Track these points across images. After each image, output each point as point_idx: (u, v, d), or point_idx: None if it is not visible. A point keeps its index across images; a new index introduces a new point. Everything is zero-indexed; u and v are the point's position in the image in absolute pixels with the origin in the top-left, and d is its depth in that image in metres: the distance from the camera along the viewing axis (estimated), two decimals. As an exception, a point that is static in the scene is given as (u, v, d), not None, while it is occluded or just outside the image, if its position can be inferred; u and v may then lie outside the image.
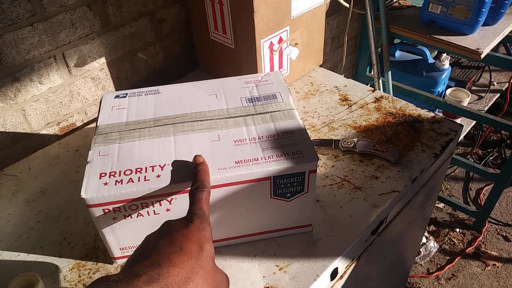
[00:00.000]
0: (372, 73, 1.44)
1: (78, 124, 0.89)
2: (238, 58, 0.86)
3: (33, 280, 0.56)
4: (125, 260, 0.59)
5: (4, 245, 0.64)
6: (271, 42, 0.82)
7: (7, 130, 0.79)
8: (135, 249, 0.41)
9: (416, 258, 1.68)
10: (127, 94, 0.66)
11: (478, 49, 1.24)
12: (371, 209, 0.65)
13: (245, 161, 0.53)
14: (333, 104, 0.87)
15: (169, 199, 0.52)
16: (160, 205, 0.52)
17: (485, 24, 1.32)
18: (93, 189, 0.50)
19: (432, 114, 0.83)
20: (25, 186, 0.74)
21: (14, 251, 0.63)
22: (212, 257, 0.40)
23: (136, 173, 0.52)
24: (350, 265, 0.65)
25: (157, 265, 0.36)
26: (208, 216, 0.45)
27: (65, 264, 0.61)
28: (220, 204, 0.54)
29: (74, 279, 0.59)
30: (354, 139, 0.75)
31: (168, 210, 0.53)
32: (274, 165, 0.53)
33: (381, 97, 0.88)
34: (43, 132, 0.84)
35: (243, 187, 0.53)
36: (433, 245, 1.72)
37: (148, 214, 0.53)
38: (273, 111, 0.61)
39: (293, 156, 0.54)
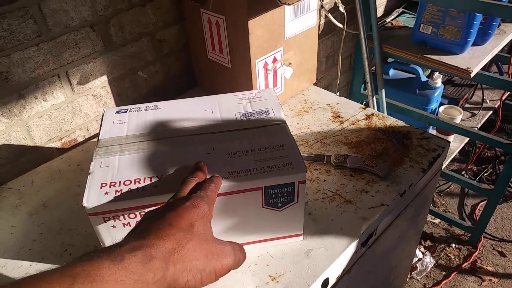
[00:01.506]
0: (366, 91, 1.48)
1: (80, 139, 0.92)
2: (234, 77, 0.90)
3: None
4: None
5: (7, 256, 0.66)
6: (265, 62, 0.86)
7: (11, 145, 0.81)
8: None
9: (413, 273, 1.69)
10: (127, 109, 0.69)
11: (468, 68, 1.28)
12: (361, 222, 0.68)
13: (238, 172, 0.56)
14: (325, 121, 0.90)
15: (165, 208, 0.55)
16: (157, 214, 0.55)
17: (475, 44, 1.36)
18: (94, 198, 0.52)
19: (420, 131, 0.86)
20: (27, 199, 0.77)
21: (17, 262, 0.65)
22: (206, 232, 0.41)
23: (135, 183, 0.55)
24: (341, 277, 0.67)
25: (142, 237, 0.37)
26: (212, 201, 0.47)
27: (65, 274, 0.63)
28: (213, 213, 0.57)
29: (74, 288, 0.61)
30: (345, 155, 0.78)
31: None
32: (265, 175, 0.55)
33: (372, 114, 0.91)
34: (46, 147, 0.87)
35: (236, 197, 0.56)
36: (429, 260, 1.73)
37: (146, 223, 0.56)
38: (265, 126, 0.65)
39: (284, 168, 0.56)
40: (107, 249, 0.36)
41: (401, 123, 0.88)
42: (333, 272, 0.63)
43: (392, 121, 0.89)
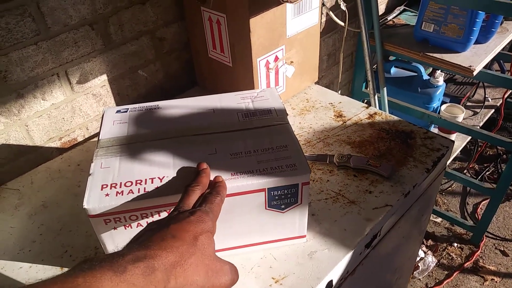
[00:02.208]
0: (368, 89, 1.47)
1: (80, 139, 0.91)
2: (236, 76, 0.89)
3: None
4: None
5: (7, 257, 0.65)
6: (267, 60, 0.85)
7: (10, 145, 0.80)
8: None
9: (415, 272, 1.68)
10: (128, 109, 0.68)
11: (470, 66, 1.27)
12: (364, 223, 0.67)
13: (241, 173, 0.55)
14: (328, 120, 0.89)
15: (167, 209, 0.54)
16: (159, 215, 0.54)
17: (477, 42, 1.35)
18: (95, 200, 0.52)
19: (424, 130, 0.85)
20: (27, 200, 0.76)
21: (17, 264, 0.64)
22: (209, 247, 0.41)
23: (136, 185, 0.54)
24: (345, 278, 0.66)
25: (144, 247, 0.37)
26: (216, 216, 0.46)
27: (65, 276, 0.62)
28: None
29: (74, 291, 0.60)
30: (348, 155, 0.77)
31: (166, 221, 0.55)
32: (268, 177, 0.54)
33: (375, 113, 0.90)
34: (46, 147, 0.86)
35: (239, 198, 0.55)
36: (431, 259, 1.72)
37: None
38: (268, 125, 0.64)
39: (287, 169, 0.55)
40: (109, 258, 0.35)
41: (404, 122, 0.87)
42: (337, 274, 0.62)
43: (396, 120, 0.88)
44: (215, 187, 0.51)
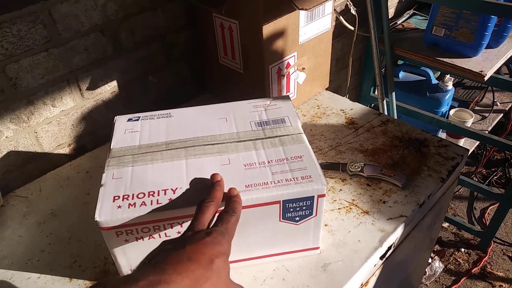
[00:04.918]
0: (376, 93, 1.46)
1: (89, 146, 0.91)
2: (247, 83, 0.88)
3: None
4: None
5: (15, 267, 0.64)
6: (279, 67, 0.84)
7: (19, 152, 0.80)
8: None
9: (422, 278, 1.67)
10: (139, 117, 0.67)
11: (481, 71, 1.26)
12: (379, 234, 0.66)
13: (255, 185, 0.54)
14: (339, 127, 0.88)
15: (180, 222, 0.53)
16: (172, 227, 0.53)
17: (488, 46, 1.34)
18: (107, 212, 0.51)
19: (438, 138, 0.84)
20: (36, 208, 0.75)
21: (25, 274, 0.63)
22: (224, 271, 0.40)
23: (149, 197, 0.53)
24: (358, 290, 0.65)
25: (160, 271, 0.36)
26: (232, 236, 0.45)
27: (75, 288, 0.61)
28: None
29: (85, 303, 0.59)
30: (361, 163, 0.76)
31: (179, 232, 0.54)
32: (283, 189, 0.53)
33: (387, 120, 0.89)
34: (54, 153, 0.85)
35: (252, 210, 0.54)
36: (438, 265, 1.70)
37: (160, 237, 0.54)
38: (282, 135, 0.62)
39: (302, 181, 0.54)
40: (123, 283, 0.34)
41: (417, 130, 0.86)
42: (352, 287, 0.61)
43: (408, 128, 0.87)
44: (230, 203, 0.49)
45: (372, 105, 1.67)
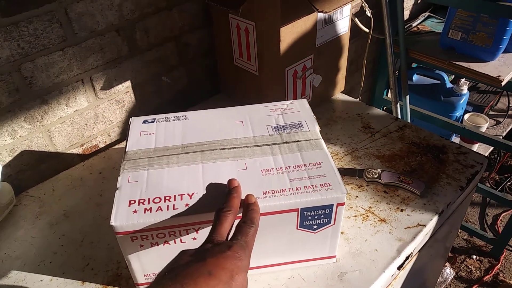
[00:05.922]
0: (389, 96, 1.44)
1: (101, 145, 0.90)
2: (262, 85, 0.86)
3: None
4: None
5: (28, 269, 0.64)
6: (295, 70, 0.82)
7: (32, 151, 0.79)
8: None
9: (432, 285, 1.64)
10: (155, 119, 0.66)
11: (499, 76, 1.23)
12: (397, 243, 0.64)
13: (273, 192, 0.53)
14: (355, 131, 0.87)
15: (196, 228, 0.52)
16: (187, 233, 0.52)
17: (506, 51, 1.31)
18: (122, 217, 0.50)
19: (457, 145, 0.82)
20: (48, 208, 0.75)
21: (37, 276, 0.63)
22: None
23: (165, 201, 0.52)
24: (375, 300, 0.64)
25: (179, 286, 0.35)
26: (251, 250, 0.44)
27: (88, 291, 0.60)
28: None
29: (98, 307, 0.58)
30: (379, 170, 0.74)
31: (194, 239, 0.53)
32: (302, 197, 0.52)
33: (405, 125, 0.87)
34: (67, 153, 0.85)
35: (269, 218, 0.53)
36: (449, 272, 1.68)
37: (175, 243, 0.53)
38: (300, 140, 0.61)
39: (322, 189, 0.53)
40: None
41: (435, 136, 0.84)
42: (369, 297, 0.60)
43: (426, 134, 0.85)
44: (248, 212, 0.48)
45: (385, 108, 1.65)
